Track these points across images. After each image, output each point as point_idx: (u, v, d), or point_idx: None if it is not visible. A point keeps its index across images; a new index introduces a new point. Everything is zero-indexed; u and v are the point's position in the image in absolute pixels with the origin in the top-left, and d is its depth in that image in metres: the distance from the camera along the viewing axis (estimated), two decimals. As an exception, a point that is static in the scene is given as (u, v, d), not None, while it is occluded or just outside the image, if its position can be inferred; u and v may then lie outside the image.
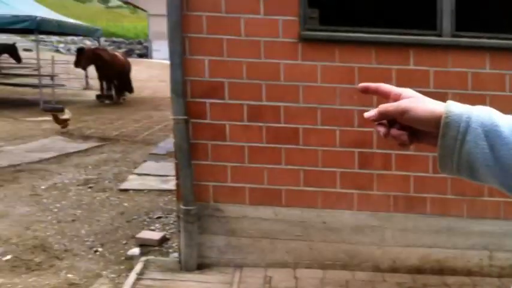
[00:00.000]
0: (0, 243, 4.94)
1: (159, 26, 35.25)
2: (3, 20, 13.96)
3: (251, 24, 4.05)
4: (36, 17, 13.91)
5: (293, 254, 4.26)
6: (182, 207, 4.16)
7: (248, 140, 4.17)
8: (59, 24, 15.78)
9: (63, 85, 18.21)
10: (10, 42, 20.83)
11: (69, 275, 4.41)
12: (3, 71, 21.31)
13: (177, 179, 4.22)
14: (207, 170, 4.20)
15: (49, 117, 11.19)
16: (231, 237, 4.26)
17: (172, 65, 4.06)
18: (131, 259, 4.67)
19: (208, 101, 4.15)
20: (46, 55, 19.85)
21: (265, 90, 4.11)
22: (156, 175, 7.68)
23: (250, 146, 4.18)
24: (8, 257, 4.67)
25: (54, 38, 35.14)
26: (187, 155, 4.12)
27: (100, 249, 4.94)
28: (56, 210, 6.01)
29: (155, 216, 5.86)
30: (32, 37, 32.19)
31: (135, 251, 4.81)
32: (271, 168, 4.19)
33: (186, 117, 4.08)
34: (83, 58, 16.65)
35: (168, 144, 9.97)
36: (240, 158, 4.18)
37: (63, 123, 10.98)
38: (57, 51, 34.15)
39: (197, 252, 4.23)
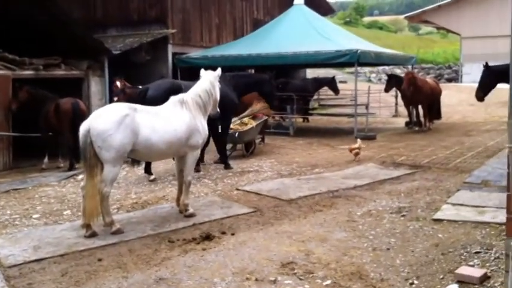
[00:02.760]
0: (320, 267, 5.26)
1: (472, 49, 34.03)
2: (328, 55, 15.29)
3: None
4: (357, 50, 14.80)
5: None
6: (514, 244, 3.77)
7: None
8: (377, 55, 16.49)
9: (374, 113, 18.87)
10: (327, 75, 22.64)
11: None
12: (322, 103, 23.20)
13: (509, 212, 3.87)
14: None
15: (363, 146, 11.68)
16: None
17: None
18: (449, 295, 4.48)
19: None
20: (359, 85, 20.88)
21: None
22: (472, 206, 7.25)
23: None
24: (328, 282, 4.92)
25: (367, 69, 36.78)
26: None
27: (416, 281, 4.83)
28: (371, 237, 6.16)
29: (473, 251, 5.51)
30: (347, 69, 34.51)
31: (454, 287, 4.59)
32: None
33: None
34: (396, 82, 17.10)
35: (482, 172, 9.37)
36: None
37: (352, 152, 11.31)
38: (369, 81, 35.67)
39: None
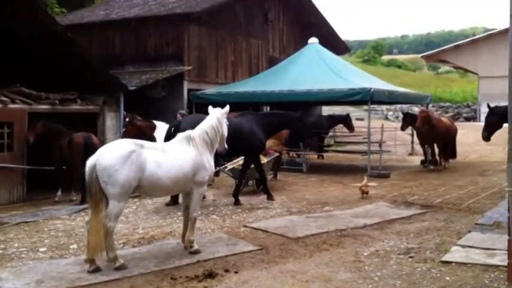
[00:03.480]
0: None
1: (490, 88, 33.81)
2: (341, 93, 15.46)
3: None
4: (370, 89, 14.93)
5: None
6: (515, 291, 3.67)
7: None
8: (391, 93, 16.59)
9: (389, 151, 18.76)
10: (344, 113, 22.67)
11: None
12: (337, 139, 23.16)
13: (510, 257, 3.78)
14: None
15: (373, 183, 11.59)
16: None
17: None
18: None
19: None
20: (376, 123, 20.83)
21: None
22: (482, 248, 7.10)
23: None
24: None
25: (384, 107, 36.79)
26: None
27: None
28: (376, 278, 6.04)
29: (480, 295, 5.38)
30: (365, 107, 34.57)
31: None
32: None
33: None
34: (411, 120, 17.08)
35: (495, 214, 9.19)
36: None
37: (360, 189, 11.27)
38: (386, 118, 35.62)
39: None
